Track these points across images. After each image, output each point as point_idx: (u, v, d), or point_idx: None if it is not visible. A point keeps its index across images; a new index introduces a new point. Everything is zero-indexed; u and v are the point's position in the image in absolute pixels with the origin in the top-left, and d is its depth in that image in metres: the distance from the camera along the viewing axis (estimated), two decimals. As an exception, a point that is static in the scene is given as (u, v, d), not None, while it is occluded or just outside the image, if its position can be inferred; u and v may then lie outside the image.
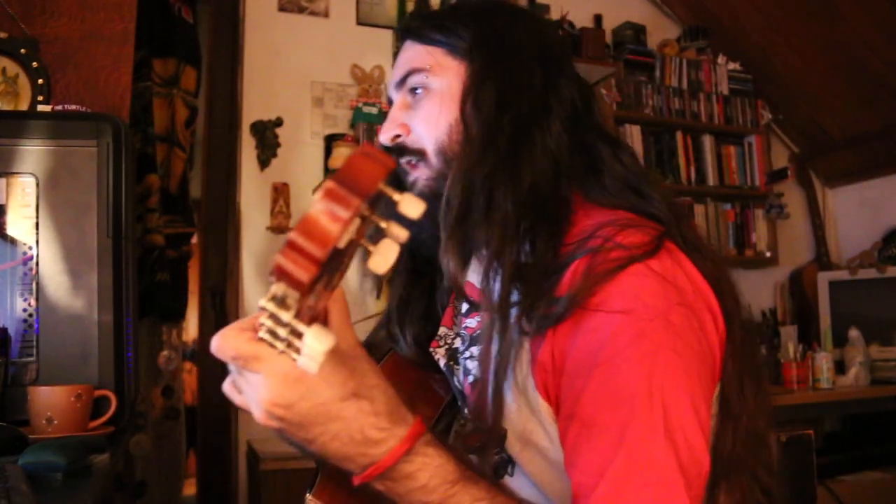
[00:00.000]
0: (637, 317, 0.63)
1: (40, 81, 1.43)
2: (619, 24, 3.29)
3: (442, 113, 0.79)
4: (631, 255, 0.66)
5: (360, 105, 2.83)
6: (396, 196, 0.47)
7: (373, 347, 0.89)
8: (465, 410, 0.85)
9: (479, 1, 0.87)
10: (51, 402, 1.08)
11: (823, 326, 3.15)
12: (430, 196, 0.76)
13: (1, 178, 1.23)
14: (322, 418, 0.54)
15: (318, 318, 0.53)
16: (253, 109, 2.77)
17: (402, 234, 0.48)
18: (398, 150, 0.82)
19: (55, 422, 1.07)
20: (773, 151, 3.61)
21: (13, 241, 1.23)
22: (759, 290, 3.41)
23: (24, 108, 1.42)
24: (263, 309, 0.47)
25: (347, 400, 0.55)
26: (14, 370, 1.19)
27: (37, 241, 1.23)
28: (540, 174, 0.75)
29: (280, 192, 2.75)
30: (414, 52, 0.84)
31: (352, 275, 0.62)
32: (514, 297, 0.70)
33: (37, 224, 1.23)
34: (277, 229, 2.73)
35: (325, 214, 0.44)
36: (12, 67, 1.44)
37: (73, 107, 1.43)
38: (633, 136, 3.13)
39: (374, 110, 2.82)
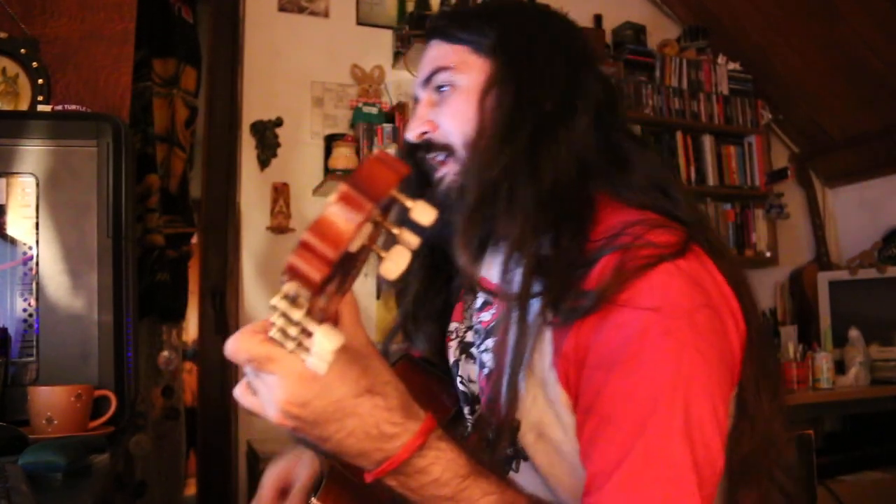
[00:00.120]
0: (665, 315, 0.64)
1: (40, 81, 1.43)
2: (619, 24, 3.29)
3: (469, 109, 0.81)
4: (661, 254, 0.67)
5: (360, 105, 2.83)
6: (409, 203, 0.48)
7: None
8: (468, 410, 0.85)
9: (505, 1, 0.89)
10: (51, 402, 1.08)
11: (823, 326, 3.15)
12: (458, 192, 0.79)
13: (1, 178, 1.23)
14: (338, 415, 0.55)
15: (330, 320, 0.54)
16: (253, 109, 2.77)
17: (414, 240, 0.48)
18: (425, 146, 0.84)
19: (55, 422, 1.07)
20: (773, 151, 3.61)
21: (13, 241, 1.23)
22: (759, 290, 3.38)
23: (24, 108, 1.42)
24: (275, 308, 0.48)
25: (362, 396, 0.56)
26: (14, 370, 1.19)
27: (37, 241, 1.23)
28: (564, 170, 0.76)
29: (280, 192, 2.75)
30: (440, 51, 0.85)
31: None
32: (536, 288, 0.71)
33: (37, 224, 1.23)
34: (277, 229, 2.73)
35: (339, 216, 0.45)
36: (12, 67, 1.44)
37: (73, 107, 1.43)
38: (633, 136, 3.12)
39: (374, 110, 2.82)
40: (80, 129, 1.26)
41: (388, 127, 2.77)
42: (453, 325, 0.90)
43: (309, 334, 0.48)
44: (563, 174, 0.75)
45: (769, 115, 3.46)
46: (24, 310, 1.22)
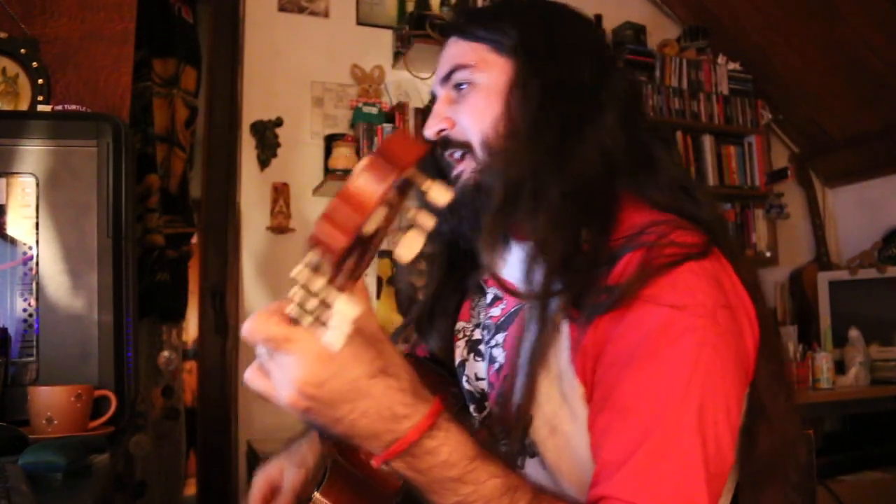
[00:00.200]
0: (687, 313, 0.66)
1: (40, 81, 1.43)
2: (619, 24, 3.29)
3: (488, 107, 0.81)
4: (686, 253, 0.68)
5: (360, 105, 2.83)
6: (426, 183, 0.48)
7: None
8: (474, 409, 0.85)
9: (525, 0, 0.89)
10: (51, 402, 1.08)
11: (823, 326, 3.15)
12: (475, 189, 0.79)
13: (1, 178, 1.23)
14: (353, 395, 0.55)
15: None
16: (253, 109, 2.77)
17: (429, 221, 0.49)
18: (443, 143, 0.84)
19: (55, 422, 1.07)
20: (773, 151, 3.61)
21: (13, 241, 1.23)
22: (760, 290, 3.40)
23: (24, 108, 1.42)
24: (295, 280, 0.48)
25: (376, 377, 0.56)
26: (14, 370, 1.19)
27: (37, 241, 1.23)
28: (590, 169, 0.76)
29: (280, 192, 2.75)
30: (459, 49, 0.85)
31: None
32: (557, 285, 0.72)
33: (37, 224, 1.23)
34: (277, 229, 2.73)
35: (365, 184, 0.46)
36: (12, 67, 1.44)
37: (73, 107, 1.43)
38: (633, 136, 3.12)
39: (374, 110, 2.82)
40: (80, 129, 1.26)
41: (388, 127, 2.76)
42: (460, 325, 0.91)
43: (328, 306, 0.49)
44: (589, 173, 0.76)
45: (769, 115, 3.45)
46: (24, 310, 1.22)
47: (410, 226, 0.49)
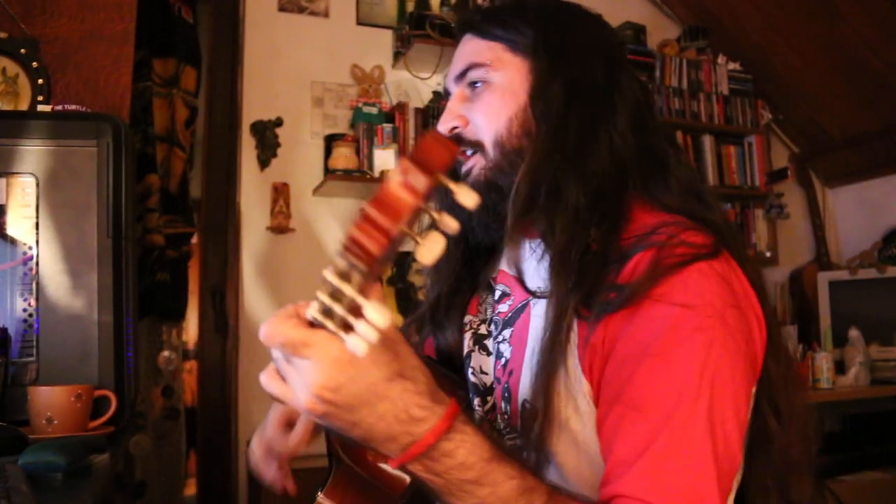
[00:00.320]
0: (697, 312, 0.66)
1: (40, 81, 1.43)
2: (619, 24, 3.29)
3: (503, 106, 0.81)
4: (696, 254, 0.69)
5: (360, 105, 2.83)
6: (453, 186, 0.48)
7: None
8: (479, 402, 0.86)
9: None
10: (51, 402, 1.08)
11: (823, 326, 3.15)
12: (484, 186, 0.80)
13: (1, 178, 1.23)
14: (371, 398, 0.55)
15: None
16: (253, 109, 2.77)
17: (453, 224, 0.49)
18: (455, 140, 0.84)
19: (55, 422, 1.07)
20: (773, 151, 3.61)
21: (13, 241, 1.23)
22: (760, 290, 3.40)
23: (24, 108, 1.42)
24: (325, 283, 0.48)
25: (394, 380, 0.56)
26: (14, 370, 1.19)
27: (37, 241, 1.23)
28: (602, 169, 0.77)
29: (280, 192, 2.75)
30: (474, 47, 0.85)
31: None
32: (569, 283, 0.72)
33: (37, 224, 1.23)
34: (277, 229, 2.73)
35: (400, 189, 0.45)
36: (12, 67, 1.44)
37: (73, 107, 1.43)
38: (633, 136, 3.13)
39: (374, 110, 2.82)
40: (80, 129, 1.26)
41: (388, 127, 2.77)
42: (468, 318, 0.92)
43: (356, 312, 0.48)
44: (602, 173, 0.77)
45: (769, 115, 3.45)
46: (24, 310, 1.22)
47: (431, 228, 0.49)
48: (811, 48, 3.20)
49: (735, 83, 3.37)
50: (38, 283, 1.22)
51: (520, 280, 0.78)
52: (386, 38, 2.99)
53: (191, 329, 3.30)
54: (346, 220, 2.83)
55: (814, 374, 2.77)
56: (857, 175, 3.52)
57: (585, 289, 0.71)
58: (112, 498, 1.20)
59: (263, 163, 2.76)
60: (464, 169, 0.84)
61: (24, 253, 1.23)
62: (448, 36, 2.78)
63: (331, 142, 2.74)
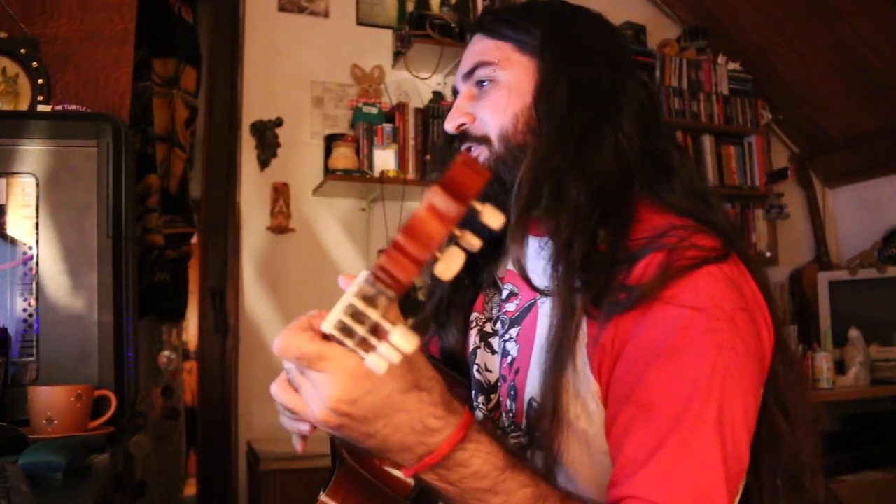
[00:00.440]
0: (708, 315, 0.67)
1: (40, 81, 1.43)
2: (620, 24, 3.29)
3: (509, 103, 0.82)
4: (706, 257, 0.70)
5: (360, 105, 2.83)
6: (479, 206, 0.48)
7: None
8: (483, 400, 0.86)
9: (550, 1, 0.90)
10: (51, 402, 1.08)
11: (823, 326, 3.15)
12: (495, 182, 0.80)
13: (1, 178, 1.23)
14: (387, 410, 0.55)
15: None
16: (253, 109, 2.77)
17: (476, 243, 0.49)
18: (461, 136, 0.86)
19: (55, 422, 1.07)
20: (773, 151, 3.61)
21: (13, 241, 1.23)
22: (760, 290, 3.40)
23: (24, 108, 1.42)
24: (350, 306, 0.48)
25: (409, 392, 0.56)
26: (14, 370, 1.19)
27: (37, 241, 1.23)
28: (607, 169, 0.78)
29: (280, 192, 2.75)
30: (483, 46, 0.87)
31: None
32: (578, 283, 0.73)
33: (37, 224, 1.23)
34: (277, 229, 2.73)
35: (431, 219, 0.45)
36: (12, 67, 1.44)
37: (73, 107, 1.43)
38: (633, 136, 3.13)
39: (374, 110, 2.82)
40: (80, 129, 1.26)
41: (388, 127, 2.77)
42: (474, 315, 0.93)
43: (379, 334, 0.48)
44: (607, 174, 0.77)
45: (769, 115, 3.46)
46: (24, 310, 1.22)
47: (451, 244, 0.49)
48: (811, 48, 3.20)
49: (735, 83, 3.37)
50: (38, 283, 1.22)
51: (524, 278, 0.78)
52: (386, 38, 2.99)
53: (191, 329, 3.31)
54: (346, 220, 2.83)
55: (814, 374, 2.77)
56: (857, 175, 3.52)
57: (595, 288, 0.72)
58: (112, 498, 1.20)
59: (263, 163, 2.76)
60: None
61: (24, 253, 1.23)
62: (448, 36, 2.78)
63: (331, 142, 2.74)
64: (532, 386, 0.77)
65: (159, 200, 2.19)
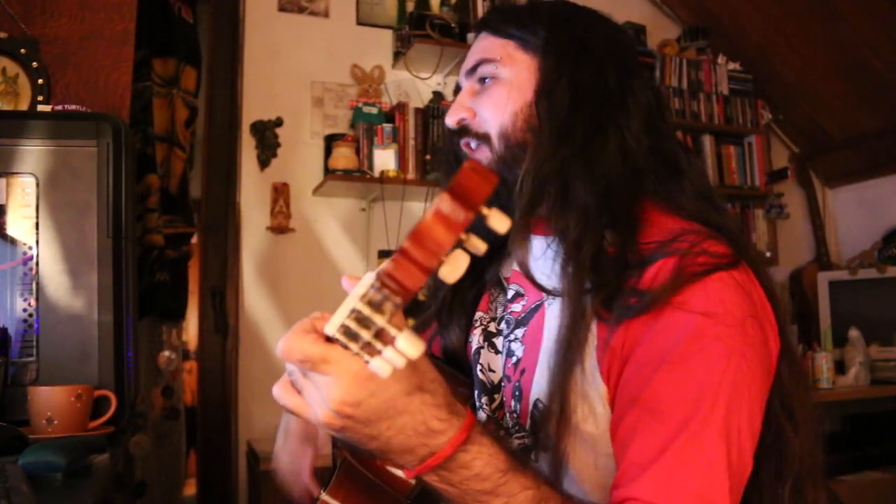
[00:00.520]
0: (718, 321, 0.67)
1: (40, 81, 1.43)
2: (619, 24, 3.29)
3: (509, 100, 0.83)
4: (717, 263, 0.70)
5: (360, 105, 2.83)
6: (485, 210, 0.48)
7: None
8: (486, 400, 0.86)
9: (557, 2, 0.91)
10: (51, 402, 1.08)
11: (823, 326, 3.15)
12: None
13: (1, 178, 1.23)
14: (390, 412, 0.56)
15: None
16: (253, 109, 2.77)
17: (482, 246, 0.49)
18: (461, 131, 0.86)
19: (55, 422, 1.07)
20: (773, 151, 3.61)
21: (13, 241, 1.23)
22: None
23: (24, 108, 1.42)
24: (355, 310, 0.48)
25: (413, 394, 0.57)
26: (14, 370, 1.19)
27: (37, 241, 1.23)
28: (613, 170, 0.78)
29: (280, 192, 2.75)
30: (487, 43, 0.87)
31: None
32: (587, 284, 0.73)
33: (37, 224, 1.23)
34: (277, 229, 2.73)
35: (439, 226, 0.45)
36: (12, 67, 1.44)
37: (73, 107, 1.43)
38: (633, 136, 3.13)
39: (374, 110, 2.82)
40: (80, 129, 1.26)
41: (388, 127, 2.77)
42: (478, 315, 0.93)
43: (384, 339, 0.48)
44: (613, 175, 0.77)
45: (769, 115, 3.46)
46: (24, 310, 1.22)
47: (456, 247, 0.49)
48: (811, 48, 3.20)
49: (735, 83, 3.37)
50: (38, 283, 1.22)
51: (529, 278, 0.78)
52: (386, 38, 2.99)
53: (191, 329, 3.31)
54: (346, 220, 2.83)
55: (814, 374, 2.77)
56: (857, 175, 3.52)
57: (606, 291, 0.72)
58: (112, 498, 1.20)
59: (263, 163, 2.76)
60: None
61: (24, 253, 1.23)
62: (448, 36, 2.78)
63: (331, 142, 2.74)
64: (538, 387, 0.77)
65: (159, 200, 2.19)
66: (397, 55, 2.93)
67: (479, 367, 0.89)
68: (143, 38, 1.90)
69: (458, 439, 0.58)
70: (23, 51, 1.43)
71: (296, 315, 0.57)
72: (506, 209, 0.79)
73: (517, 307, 0.85)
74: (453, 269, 0.48)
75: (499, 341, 0.87)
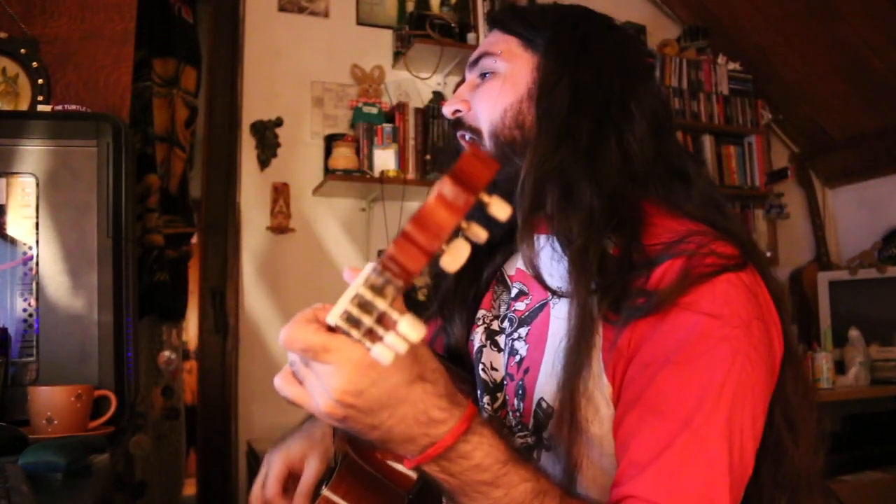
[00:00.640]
0: (724, 322, 0.67)
1: (40, 81, 1.43)
2: (620, 24, 3.29)
3: (501, 95, 0.83)
4: (725, 265, 0.70)
5: (360, 105, 2.83)
6: (486, 198, 0.48)
7: None
8: (488, 399, 0.86)
9: (569, 5, 0.92)
10: (51, 402, 1.08)
11: (823, 326, 3.15)
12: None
13: (1, 178, 1.23)
14: (391, 401, 0.56)
15: None
16: (253, 109, 2.77)
17: (482, 234, 0.49)
18: (457, 123, 0.87)
19: (55, 422, 1.07)
20: (773, 151, 3.61)
21: (13, 241, 1.23)
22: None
23: (24, 108, 1.42)
24: (358, 295, 0.48)
25: (414, 383, 0.57)
26: (14, 370, 1.19)
27: (37, 241, 1.23)
28: (615, 172, 0.78)
29: (280, 192, 2.75)
30: (493, 39, 0.88)
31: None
32: (593, 286, 0.73)
33: (37, 224, 1.23)
34: (277, 229, 2.73)
35: (440, 209, 0.46)
36: (12, 67, 1.44)
37: (73, 107, 1.43)
38: (633, 136, 3.13)
39: (374, 110, 2.82)
40: (80, 129, 1.26)
41: (388, 127, 2.77)
42: (481, 313, 0.93)
43: (386, 324, 0.48)
44: (615, 177, 0.78)
45: (769, 115, 3.46)
46: (24, 310, 1.22)
47: (457, 236, 0.49)
48: (811, 48, 3.20)
49: (735, 83, 3.37)
50: (38, 283, 1.22)
51: (538, 279, 0.78)
52: (386, 38, 2.99)
53: (191, 329, 3.31)
54: (346, 220, 2.83)
55: (814, 374, 2.77)
56: (857, 175, 3.52)
57: (613, 293, 0.72)
58: (112, 498, 1.20)
59: (263, 163, 2.76)
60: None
61: (24, 253, 1.23)
62: (448, 36, 2.78)
63: (331, 142, 2.74)
64: (542, 386, 0.77)
65: (159, 200, 2.19)
66: (397, 55, 2.93)
67: (481, 366, 0.89)
68: (143, 38, 1.90)
69: (458, 429, 0.58)
70: (23, 51, 1.43)
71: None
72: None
73: (521, 305, 0.86)
74: (454, 258, 0.48)
75: (501, 339, 0.88)
